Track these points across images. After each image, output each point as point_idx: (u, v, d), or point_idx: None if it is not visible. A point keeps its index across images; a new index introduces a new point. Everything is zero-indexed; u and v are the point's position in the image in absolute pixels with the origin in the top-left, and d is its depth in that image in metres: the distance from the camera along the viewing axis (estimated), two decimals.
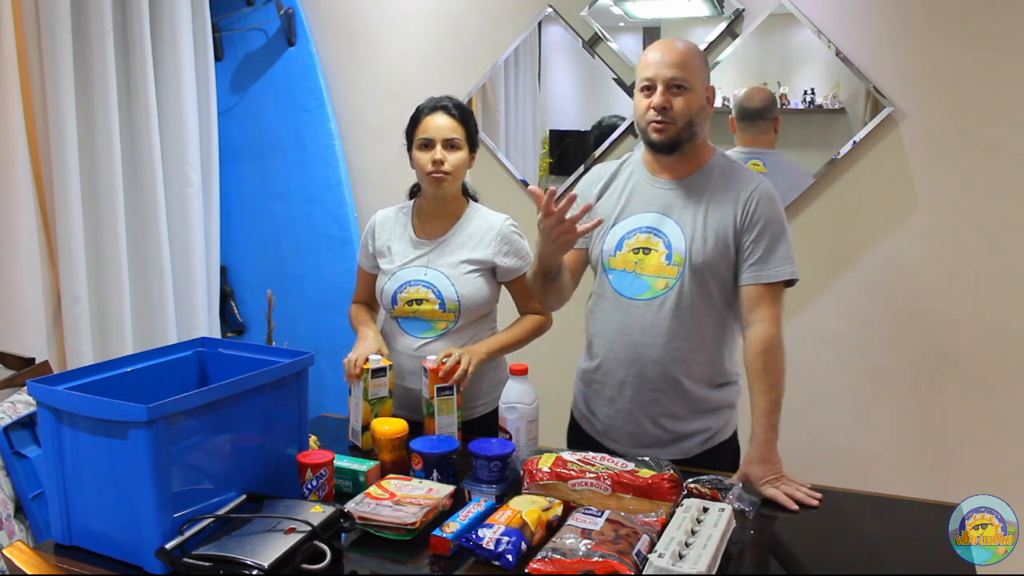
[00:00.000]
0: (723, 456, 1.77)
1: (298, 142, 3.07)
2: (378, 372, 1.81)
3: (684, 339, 1.69)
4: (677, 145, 1.68)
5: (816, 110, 2.49)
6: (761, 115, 2.53)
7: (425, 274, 1.93)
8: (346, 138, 3.06)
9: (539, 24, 2.79)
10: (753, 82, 2.55)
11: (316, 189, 3.05)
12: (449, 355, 1.80)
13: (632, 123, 2.63)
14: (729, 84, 2.56)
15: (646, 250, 1.71)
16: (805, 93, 2.50)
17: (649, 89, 1.67)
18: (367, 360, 1.81)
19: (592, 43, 2.73)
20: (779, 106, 2.53)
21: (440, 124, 1.90)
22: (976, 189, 2.35)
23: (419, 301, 1.92)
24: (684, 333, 1.69)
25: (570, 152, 2.83)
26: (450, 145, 1.90)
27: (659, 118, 1.66)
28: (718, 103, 2.62)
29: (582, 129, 2.81)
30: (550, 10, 2.75)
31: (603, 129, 2.77)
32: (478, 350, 1.86)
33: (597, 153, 2.76)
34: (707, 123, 1.72)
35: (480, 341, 1.93)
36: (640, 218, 1.73)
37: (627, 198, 1.76)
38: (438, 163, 1.88)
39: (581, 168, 2.78)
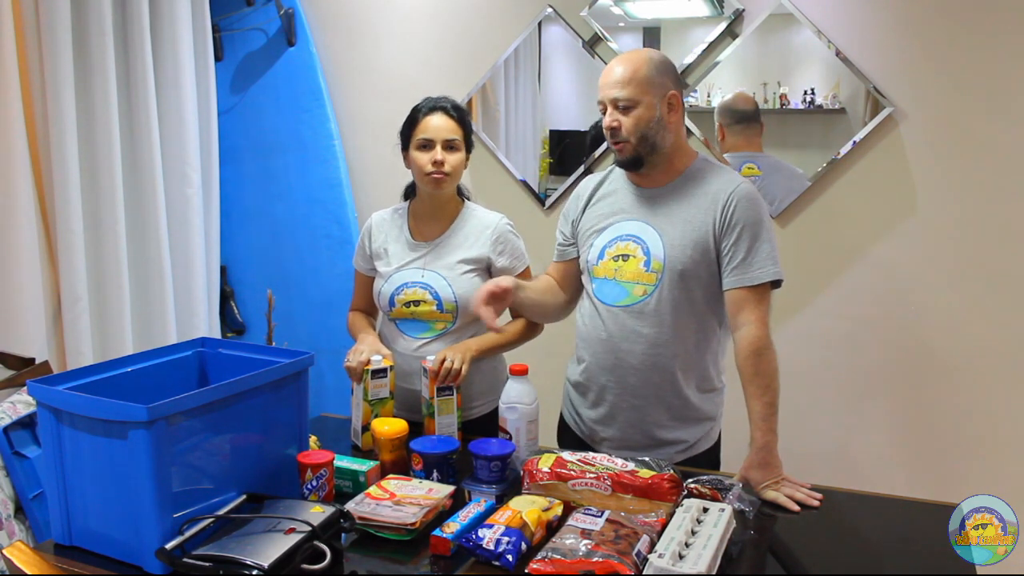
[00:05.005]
0: (701, 467, 1.76)
1: (298, 142, 3.07)
2: (378, 373, 1.81)
3: (664, 345, 1.69)
4: (639, 161, 1.71)
5: (816, 110, 2.49)
6: (752, 117, 2.54)
7: (422, 276, 1.93)
8: (346, 138, 3.06)
9: (539, 24, 2.78)
10: (753, 82, 2.55)
11: (316, 189, 3.05)
12: (443, 360, 1.79)
13: None
14: (729, 84, 2.56)
15: (625, 257, 1.72)
16: (805, 93, 2.50)
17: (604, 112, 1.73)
18: (369, 360, 1.81)
19: (592, 43, 2.73)
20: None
21: (439, 125, 1.90)
22: (976, 189, 2.34)
23: (416, 303, 1.92)
24: (664, 339, 1.69)
25: (570, 152, 2.83)
26: (449, 146, 1.90)
27: (613, 139, 1.71)
28: (716, 102, 2.65)
29: (582, 129, 2.81)
30: (550, 10, 2.75)
31: (603, 129, 2.76)
32: (468, 346, 1.86)
33: (597, 153, 2.76)
34: (671, 132, 1.71)
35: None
36: (621, 226, 1.75)
37: (610, 207, 1.78)
38: (438, 164, 1.88)
39: (581, 168, 2.78)
